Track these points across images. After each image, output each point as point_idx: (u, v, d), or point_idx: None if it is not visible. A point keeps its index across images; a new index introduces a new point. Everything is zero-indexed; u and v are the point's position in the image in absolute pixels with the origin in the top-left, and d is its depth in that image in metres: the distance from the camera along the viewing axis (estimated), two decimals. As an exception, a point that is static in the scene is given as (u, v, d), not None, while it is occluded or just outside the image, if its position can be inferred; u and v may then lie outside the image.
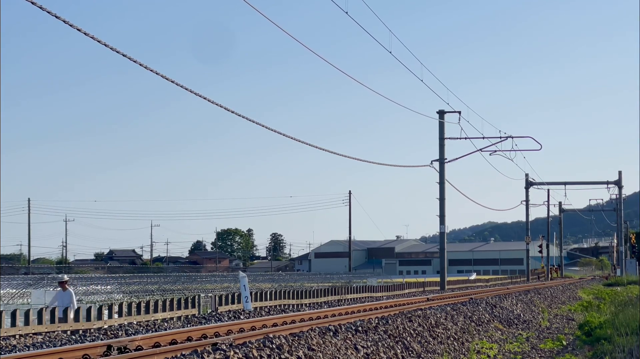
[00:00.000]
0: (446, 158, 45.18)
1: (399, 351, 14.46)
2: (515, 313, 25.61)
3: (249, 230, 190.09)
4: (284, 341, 12.10)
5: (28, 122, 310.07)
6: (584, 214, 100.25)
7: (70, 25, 13.76)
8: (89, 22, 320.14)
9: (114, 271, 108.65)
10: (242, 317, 21.26)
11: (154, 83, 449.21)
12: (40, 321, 18.15)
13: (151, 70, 15.99)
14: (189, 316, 22.27)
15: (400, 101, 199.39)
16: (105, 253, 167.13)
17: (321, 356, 12.18)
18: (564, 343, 19.13)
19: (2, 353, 13.32)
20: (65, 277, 22.38)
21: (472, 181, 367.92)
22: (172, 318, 21.93)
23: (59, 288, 22.49)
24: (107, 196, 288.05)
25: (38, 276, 65.35)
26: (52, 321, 18.40)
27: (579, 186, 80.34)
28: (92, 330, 18.12)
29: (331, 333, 13.61)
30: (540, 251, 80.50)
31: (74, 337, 16.26)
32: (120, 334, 16.48)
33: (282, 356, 11.46)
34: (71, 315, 19.46)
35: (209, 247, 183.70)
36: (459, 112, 44.63)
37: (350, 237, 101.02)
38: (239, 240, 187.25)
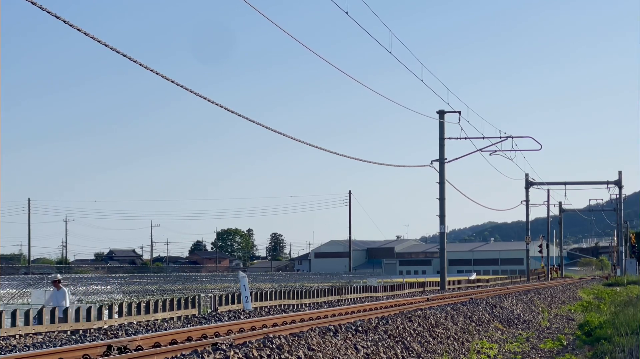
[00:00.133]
0: (446, 158, 45.23)
1: (399, 351, 14.46)
2: (515, 313, 25.60)
3: (249, 230, 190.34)
4: (284, 341, 12.09)
5: (28, 122, 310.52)
6: (584, 214, 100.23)
7: (70, 25, 13.77)
8: (89, 22, 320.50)
9: (114, 271, 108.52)
10: (242, 317, 21.27)
11: (154, 83, 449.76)
12: (40, 321, 18.16)
13: (151, 70, 16.01)
14: (189, 316, 22.28)
15: (400, 101, 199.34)
16: (105, 253, 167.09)
17: (321, 356, 12.17)
18: (564, 343, 19.13)
19: (2, 353, 13.33)
20: (59, 276, 22.46)
21: (472, 181, 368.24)
22: (172, 318, 21.94)
23: (52, 288, 22.54)
24: (107, 196, 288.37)
25: (38, 276, 65.26)
26: (52, 321, 18.41)
27: (579, 186, 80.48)
28: (92, 330, 18.13)
29: (331, 333, 13.60)
30: (540, 251, 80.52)
31: (74, 337, 16.27)
32: (120, 334, 16.49)
33: (282, 356, 11.46)
34: (60, 314, 19.34)
35: (209, 247, 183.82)
36: (459, 112, 44.70)
37: (350, 237, 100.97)
38: (239, 240, 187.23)
